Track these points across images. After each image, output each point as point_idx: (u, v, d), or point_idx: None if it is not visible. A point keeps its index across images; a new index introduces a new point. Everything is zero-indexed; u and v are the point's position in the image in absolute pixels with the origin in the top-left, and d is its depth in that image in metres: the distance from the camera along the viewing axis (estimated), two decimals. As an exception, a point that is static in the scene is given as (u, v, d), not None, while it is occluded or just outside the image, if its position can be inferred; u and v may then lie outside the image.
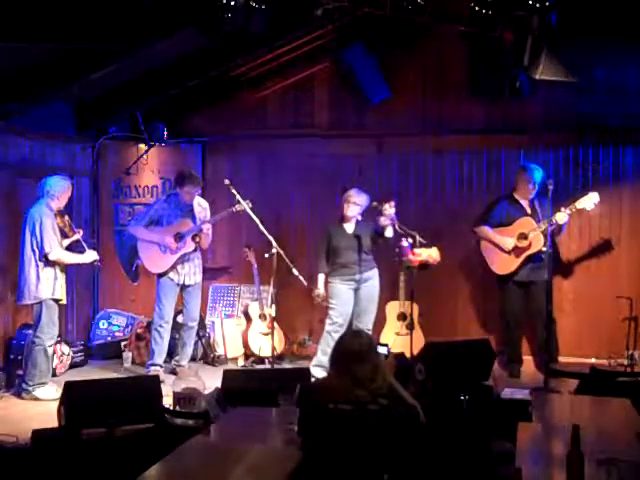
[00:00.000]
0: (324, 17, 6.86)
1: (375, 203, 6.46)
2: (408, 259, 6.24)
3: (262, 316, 7.46)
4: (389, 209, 6.30)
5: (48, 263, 6.13)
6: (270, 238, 6.46)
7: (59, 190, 6.25)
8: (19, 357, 6.51)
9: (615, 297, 6.85)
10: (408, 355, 5.99)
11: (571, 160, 7.41)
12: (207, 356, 7.58)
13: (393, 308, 7.06)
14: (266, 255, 6.44)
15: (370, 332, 6.33)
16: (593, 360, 6.93)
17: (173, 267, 6.82)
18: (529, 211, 6.84)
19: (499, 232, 6.87)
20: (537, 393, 5.15)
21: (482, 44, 7.04)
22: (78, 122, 7.79)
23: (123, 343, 7.54)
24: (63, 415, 4.47)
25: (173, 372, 6.84)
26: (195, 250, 6.90)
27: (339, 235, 6.63)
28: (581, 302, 7.34)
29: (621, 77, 7.21)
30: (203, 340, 7.60)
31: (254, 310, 7.50)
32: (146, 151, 8.11)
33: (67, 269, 6.38)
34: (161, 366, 6.84)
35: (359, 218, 6.64)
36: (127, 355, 7.38)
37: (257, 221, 6.55)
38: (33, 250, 6.10)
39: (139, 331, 7.55)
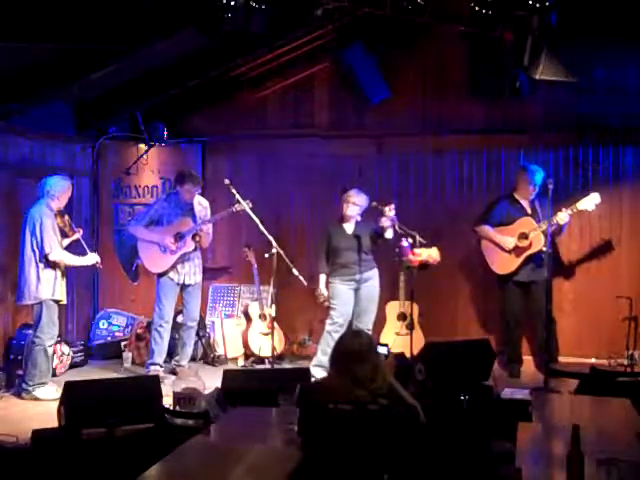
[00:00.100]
0: (324, 17, 6.86)
1: (375, 203, 6.47)
2: (408, 259, 6.25)
3: (262, 316, 7.46)
4: (389, 212, 6.30)
5: (48, 264, 6.12)
6: (270, 238, 6.46)
7: (59, 190, 6.24)
8: (19, 357, 6.51)
9: (615, 297, 6.85)
10: (408, 355, 5.99)
11: (571, 160, 7.41)
12: (207, 356, 7.58)
13: (393, 308, 7.06)
14: (266, 255, 6.44)
15: (370, 332, 6.34)
16: (593, 360, 6.93)
17: (173, 267, 6.82)
18: (529, 211, 6.85)
19: (500, 231, 6.87)
20: (537, 393, 5.15)
21: (482, 44, 7.04)
22: (78, 122, 7.79)
23: (123, 343, 7.54)
24: (63, 415, 4.47)
25: (173, 372, 6.84)
26: (195, 250, 6.89)
27: (339, 235, 6.63)
28: (581, 302, 7.34)
29: (621, 77, 7.21)
30: (203, 340, 7.60)
31: (254, 310, 7.50)
32: (146, 151, 8.11)
33: (67, 269, 6.38)
34: (161, 366, 6.84)
35: (359, 218, 6.65)
36: (127, 355, 7.38)
37: (257, 221, 6.54)
38: (33, 250, 6.10)
39: (139, 331, 7.55)
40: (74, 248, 6.45)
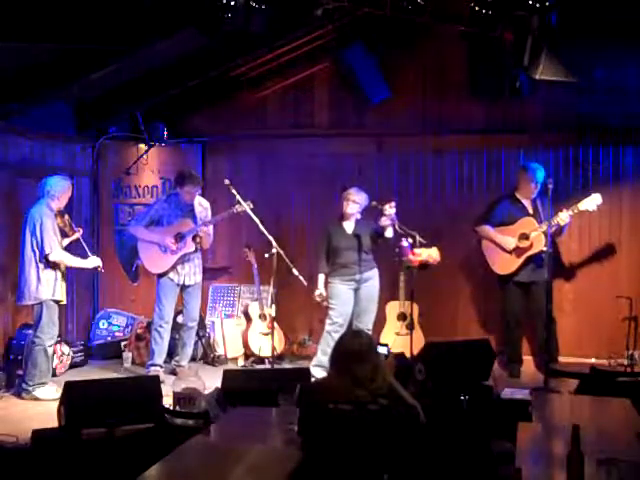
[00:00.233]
0: (324, 17, 6.86)
1: (375, 203, 6.46)
2: (408, 259, 6.24)
3: (262, 316, 7.46)
4: (389, 210, 6.30)
5: (48, 264, 6.12)
6: (270, 238, 6.46)
7: (59, 190, 6.24)
8: (19, 357, 6.50)
9: (615, 297, 6.85)
10: (408, 355, 5.99)
11: (571, 160, 7.42)
12: (207, 356, 7.58)
13: (393, 308, 7.06)
14: (266, 255, 6.44)
15: (370, 332, 6.33)
16: (593, 360, 6.93)
17: (173, 267, 6.82)
18: (531, 211, 6.83)
19: (500, 232, 6.87)
20: (537, 393, 5.15)
21: (482, 44, 7.04)
22: (78, 122, 7.79)
23: (123, 343, 7.54)
24: (63, 415, 4.47)
25: (173, 372, 6.84)
26: (196, 251, 6.89)
27: (339, 235, 6.63)
28: (581, 302, 7.34)
29: (621, 77, 7.21)
30: (203, 340, 7.60)
31: (254, 310, 7.50)
32: (146, 151, 8.11)
33: (67, 270, 6.37)
34: (161, 366, 6.84)
35: (359, 216, 6.64)
36: (127, 355, 7.38)
37: (258, 222, 6.55)
38: (33, 250, 6.10)
39: (139, 331, 7.55)
40: (74, 248, 6.44)
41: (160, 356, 6.86)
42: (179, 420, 4.24)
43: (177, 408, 4.65)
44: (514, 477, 2.78)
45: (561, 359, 6.90)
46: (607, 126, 7.22)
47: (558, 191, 6.76)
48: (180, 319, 7.09)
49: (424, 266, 6.28)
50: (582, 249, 7.37)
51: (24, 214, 6.23)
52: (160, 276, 6.86)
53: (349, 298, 6.62)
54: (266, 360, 7.20)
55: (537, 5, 6.13)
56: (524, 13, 6.34)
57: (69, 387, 4.61)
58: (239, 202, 6.56)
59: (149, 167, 8.25)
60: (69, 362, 7.08)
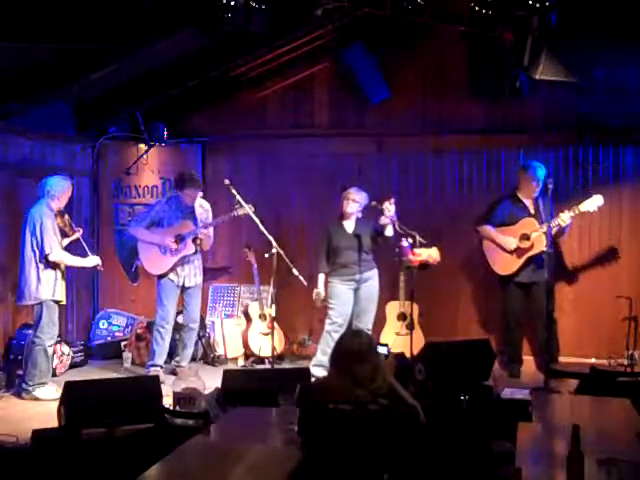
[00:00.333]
0: (324, 17, 6.86)
1: (374, 203, 6.46)
2: (408, 259, 6.24)
3: (262, 316, 7.46)
4: (389, 207, 6.29)
5: (48, 264, 6.12)
6: (270, 238, 6.46)
7: (59, 190, 6.24)
8: (19, 357, 6.51)
9: (615, 297, 6.85)
10: (408, 355, 5.99)
11: (571, 160, 7.42)
12: (207, 356, 7.58)
13: (393, 308, 7.06)
14: (266, 255, 6.43)
15: (370, 332, 6.33)
16: (593, 360, 6.93)
17: (172, 269, 6.82)
18: (532, 211, 6.80)
19: (501, 232, 6.85)
20: (537, 393, 5.15)
21: (482, 44, 7.04)
22: (78, 122, 7.79)
23: (123, 343, 7.54)
24: (63, 415, 4.47)
25: (173, 372, 6.84)
26: (196, 252, 6.89)
27: (339, 235, 6.63)
28: (581, 302, 7.34)
29: (621, 77, 7.21)
30: (203, 340, 7.60)
31: (254, 310, 7.50)
32: (146, 151, 8.11)
33: (67, 270, 6.37)
34: (161, 367, 6.84)
35: (359, 215, 6.64)
36: (127, 355, 7.37)
37: (258, 223, 6.55)
38: (33, 250, 6.10)
39: (139, 331, 7.55)
40: (74, 248, 6.45)
41: (161, 357, 6.86)
42: (179, 420, 4.24)
43: (177, 408, 4.65)
44: (514, 477, 2.78)
45: (561, 359, 6.90)
46: (607, 126, 7.22)
47: (558, 191, 6.77)
48: (180, 319, 7.10)
49: (424, 266, 6.27)
50: (582, 249, 7.37)
51: (24, 214, 6.23)
52: (160, 277, 6.86)
53: (349, 298, 6.62)
54: (266, 360, 7.20)
55: (537, 5, 6.13)
56: (524, 13, 6.34)
57: (69, 387, 4.61)
58: (240, 204, 6.55)
59: (149, 167, 8.25)
60: (69, 362, 7.08)
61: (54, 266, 6.16)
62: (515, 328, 6.95)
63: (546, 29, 6.43)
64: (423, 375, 4.96)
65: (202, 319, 7.50)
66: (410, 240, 6.21)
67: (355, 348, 3.38)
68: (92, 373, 6.92)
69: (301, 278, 6.68)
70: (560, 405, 4.55)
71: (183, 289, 6.92)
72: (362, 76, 7.47)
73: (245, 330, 7.51)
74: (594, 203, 6.58)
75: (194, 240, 6.82)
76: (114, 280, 8.11)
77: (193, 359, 7.33)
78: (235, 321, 7.76)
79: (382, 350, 5.52)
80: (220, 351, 7.62)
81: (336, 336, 5.82)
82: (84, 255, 6.41)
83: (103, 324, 7.95)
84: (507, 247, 6.78)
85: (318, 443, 3.23)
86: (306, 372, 5.34)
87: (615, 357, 6.85)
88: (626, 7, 6.42)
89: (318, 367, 6.37)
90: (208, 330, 7.74)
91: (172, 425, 4.20)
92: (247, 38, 6.76)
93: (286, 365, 7.30)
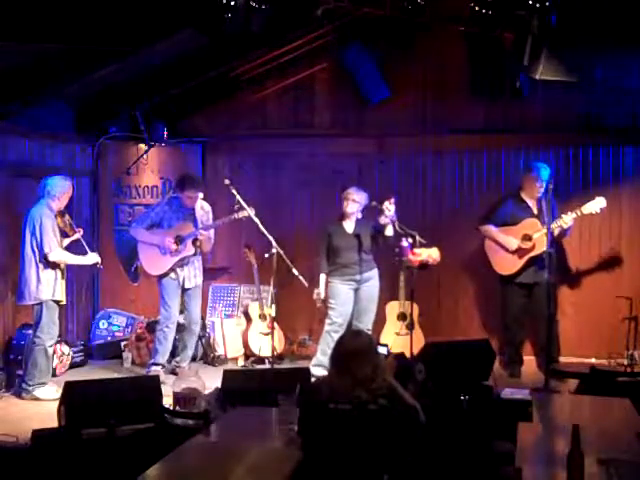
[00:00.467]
0: (324, 17, 6.87)
1: (374, 203, 6.46)
2: (408, 259, 6.24)
3: (262, 316, 7.45)
4: (389, 206, 6.29)
5: (48, 264, 6.12)
6: (270, 238, 6.46)
7: (59, 190, 6.24)
8: (19, 357, 6.51)
9: (615, 297, 6.85)
10: (408, 355, 5.98)
11: (571, 160, 7.42)
12: (207, 356, 7.58)
13: (393, 308, 7.06)
14: (266, 255, 6.44)
15: (370, 332, 6.33)
16: (593, 360, 6.93)
17: (172, 269, 6.82)
18: (535, 211, 6.76)
19: (503, 232, 6.83)
20: (537, 393, 5.15)
21: (482, 44, 7.05)
22: (78, 122, 7.79)
23: (123, 343, 7.54)
24: (63, 415, 4.47)
25: (173, 372, 6.83)
26: (195, 254, 6.89)
27: (339, 235, 6.63)
28: (581, 302, 7.34)
29: (621, 77, 7.22)
30: (203, 340, 7.59)
31: (254, 310, 7.50)
32: (146, 151, 8.11)
33: (67, 270, 6.37)
34: (163, 366, 6.84)
35: (359, 216, 6.64)
36: (127, 355, 7.38)
37: (258, 223, 6.55)
38: (33, 251, 6.10)
39: (139, 331, 7.54)
40: (75, 248, 6.45)
41: (163, 356, 6.87)
42: (179, 420, 4.24)
43: (177, 408, 4.65)
44: (514, 477, 2.78)
45: (561, 359, 6.89)
46: (607, 126, 7.23)
47: (558, 191, 6.76)
48: (181, 319, 7.09)
49: (424, 266, 6.27)
50: (582, 249, 7.37)
51: (24, 214, 6.23)
52: (161, 277, 6.85)
53: (349, 298, 6.62)
54: (266, 360, 7.20)
55: (537, 5, 6.14)
56: (524, 13, 6.34)
57: (69, 387, 4.61)
58: (240, 204, 6.55)
59: (149, 167, 8.24)
60: (69, 362, 7.08)
61: (54, 266, 6.16)
62: (515, 328, 6.94)
63: (546, 29, 6.43)
64: (423, 375, 4.95)
65: (202, 319, 7.49)
66: (410, 240, 6.20)
67: (355, 348, 3.38)
68: (92, 373, 6.92)
69: (301, 278, 6.68)
70: (560, 405, 4.55)
71: (183, 290, 6.92)
72: (362, 76, 7.47)
73: (245, 330, 7.51)
74: (597, 205, 6.56)
75: (194, 242, 6.81)
76: (114, 280, 8.10)
77: (193, 359, 7.32)
78: (235, 321, 7.75)
79: (382, 350, 5.53)
80: (220, 351, 7.61)
81: (336, 336, 5.82)
82: (84, 255, 6.41)
83: (103, 324, 7.95)
84: (509, 247, 6.77)
85: (318, 443, 3.23)
86: (306, 372, 5.33)
87: (615, 357, 6.85)
88: (626, 7, 6.42)
89: (318, 367, 6.37)
90: (208, 330, 7.73)
91: (172, 425, 4.20)
92: (247, 38, 6.76)
93: (286, 365, 7.29)
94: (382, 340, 6.77)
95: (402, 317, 6.99)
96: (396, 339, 6.90)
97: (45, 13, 5.80)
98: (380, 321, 6.93)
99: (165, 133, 8.02)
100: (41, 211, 6.12)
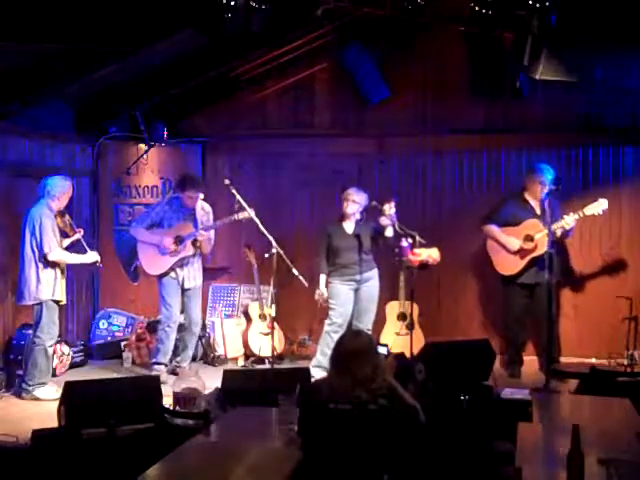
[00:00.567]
0: (324, 17, 6.87)
1: (374, 203, 6.45)
2: (408, 259, 6.24)
3: (262, 316, 7.45)
4: (389, 210, 6.29)
5: (48, 264, 6.12)
6: (270, 238, 6.46)
7: (59, 190, 6.24)
8: (19, 357, 6.51)
9: (615, 297, 6.85)
10: (408, 355, 5.98)
11: (571, 160, 7.42)
12: (207, 356, 7.58)
13: (393, 308, 7.06)
14: (266, 255, 6.43)
15: (370, 332, 6.33)
16: (593, 360, 6.93)
17: (171, 269, 6.82)
18: (538, 212, 6.73)
19: (505, 232, 6.81)
20: (537, 393, 5.15)
21: (482, 44, 7.05)
22: (78, 122, 7.79)
23: (123, 343, 7.54)
24: (63, 415, 4.47)
25: (173, 372, 6.83)
26: (195, 254, 6.89)
27: (339, 235, 6.63)
28: (581, 302, 7.34)
29: (621, 77, 7.22)
30: (203, 340, 7.59)
31: (254, 310, 7.50)
32: (146, 151, 8.11)
33: (67, 269, 6.38)
34: (166, 365, 6.85)
35: (359, 216, 6.64)
36: (127, 355, 7.38)
37: (258, 223, 6.54)
38: (33, 251, 6.10)
39: (139, 331, 7.55)
40: (75, 248, 6.45)
41: (165, 355, 6.87)
42: (179, 420, 4.24)
43: (177, 408, 4.65)
44: (514, 477, 2.78)
45: (561, 359, 6.89)
46: (607, 126, 7.23)
47: (558, 191, 6.75)
48: (181, 319, 7.09)
49: (424, 266, 6.27)
50: (582, 249, 7.37)
51: (24, 214, 6.23)
52: (161, 277, 6.85)
53: (349, 298, 6.62)
54: (266, 360, 7.20)
55: (537, 5, 6.14)
56: (524, 13, 6.34)
57: (69, 387, 4.61)
58: (240, 204, 6.55)
59: (149, 167, 8.24)
60: (69, 362, 7.08)
61: (54, 266, 6.16)
62: (517, 329, 6.93)
63: (546, 29, 6.43)
64: (423, 375, 4.95)
65: (202, 319, 7.49)
66: (410, 240, 6.20)
67: (355, 348, 3.38)
68: (92, 373, 6.92)
69: (301, 278, 6.68)
70: (560, 405, 4.55)
71: (182, 291, 6.92)
72: (362, 76, 7.47)
73: (245, 330, 7.51)
74: (599, 207, 6.55)
75: (194, 242, 6.82)
76: (114, 280, 8.10)
77: (193, 359, 7.32)
78: (235, 321, 7.75)
79: (382, 350, 5.52)
80: (220, 351, 7.61)
81: (336, 336, 5.82)
82: (84, 254, 6.41)
83: (103, 324, 7.95)
84: (510, 248, 6.76)
85: (318, 443, 3.23)
86: (306, 372, 5.33)
87: (615, 357, 6.85)
88: (626, 7, 6.42)
89: (317, 368, 6.36)
90: (208, 330, 7.73)
91: (172, 425, 4.20)
92: (247, 38, 6.76)
93: (286, 365, 7.29)
94: (382, 340, 6.77)
95: (402, 317, 6.99)
96: (396, 339, 6.90)
97: (45, 13, 5.80)
98: (380, 321, 6.93)
99: (165, 133, 8.02)
100: (41, 211, 6.12)
